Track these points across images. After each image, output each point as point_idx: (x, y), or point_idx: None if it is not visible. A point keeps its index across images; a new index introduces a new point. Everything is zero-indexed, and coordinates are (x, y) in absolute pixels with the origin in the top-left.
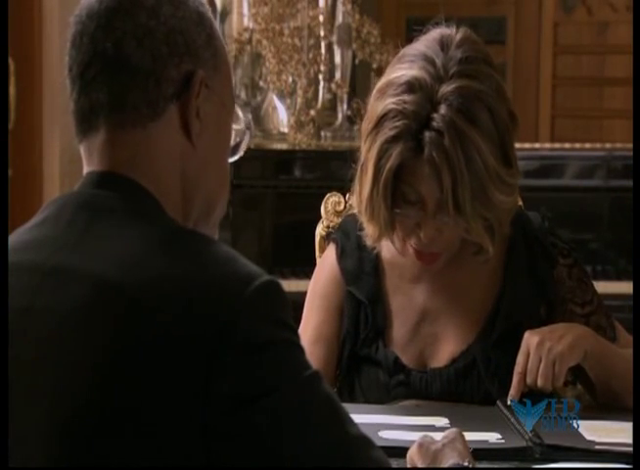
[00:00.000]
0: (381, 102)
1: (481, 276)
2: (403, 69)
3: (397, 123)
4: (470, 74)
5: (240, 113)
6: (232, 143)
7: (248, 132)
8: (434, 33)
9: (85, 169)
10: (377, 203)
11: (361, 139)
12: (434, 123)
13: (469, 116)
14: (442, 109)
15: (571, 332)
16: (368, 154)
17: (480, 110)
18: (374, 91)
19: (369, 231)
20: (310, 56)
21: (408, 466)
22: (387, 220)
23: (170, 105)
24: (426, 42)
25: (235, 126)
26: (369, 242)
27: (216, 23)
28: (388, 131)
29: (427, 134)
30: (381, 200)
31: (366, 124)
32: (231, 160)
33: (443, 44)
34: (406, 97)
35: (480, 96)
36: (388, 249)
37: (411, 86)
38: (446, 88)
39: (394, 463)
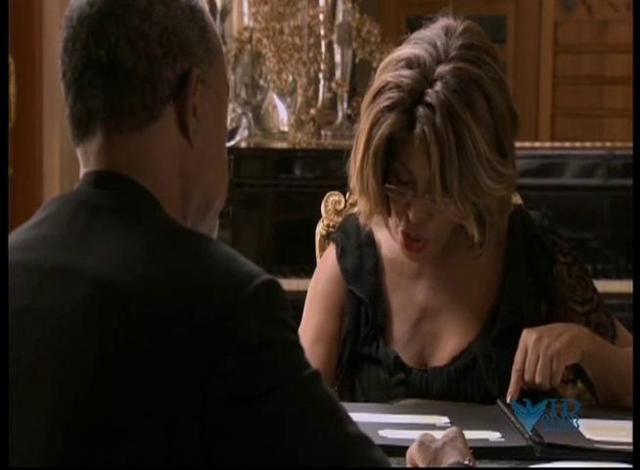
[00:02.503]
0: (381, 77)
1: (482, 274)
2: (406, 48)
3: (392, 95)
4: (468, 59)
5: (237, 107)
6: (228, 128)
7: (244, 117)
8: (442, 22)
9: (82, 171)
10: (366, 173)
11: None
12: (428, 98)
13: (464, 97)
14: (437, 86)
15: (569, 331)
16: (363, 125)
17: (475, 94)
18: (378, 69)
19: (361, 206)
20: (310, 55)
21: (408, 465)
22: (376, 194)
23: (167, 106)
24: (432, 29)
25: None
26: (361, 219)
27: (210, 16)
28: (383, 102)
29: (420, 109)
30: (370, 170)
31: (365, 98)
32: (229, 144)
33: (448, 31)
34: (404, 71)
35: (477, 80)
36: (387, 247)
37: (409, 62)
38: (443, 68)
39: (394, 462)
